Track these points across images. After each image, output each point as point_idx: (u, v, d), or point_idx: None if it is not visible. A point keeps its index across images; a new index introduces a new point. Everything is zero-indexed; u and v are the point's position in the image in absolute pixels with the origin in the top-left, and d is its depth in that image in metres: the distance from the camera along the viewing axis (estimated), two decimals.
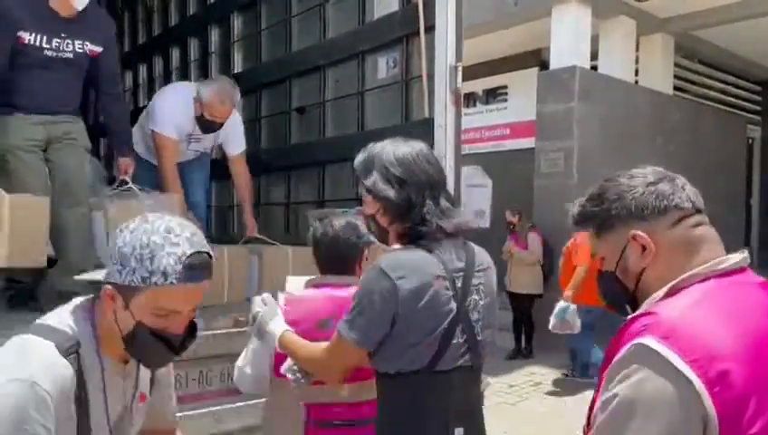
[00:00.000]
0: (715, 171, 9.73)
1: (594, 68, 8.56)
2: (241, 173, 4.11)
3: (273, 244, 3.39)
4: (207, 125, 3.78)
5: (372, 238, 1.96)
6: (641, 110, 8.63)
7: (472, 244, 1.74)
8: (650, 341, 0.98)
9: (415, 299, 1.56)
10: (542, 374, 6.59)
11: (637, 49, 9.06)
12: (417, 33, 3.41)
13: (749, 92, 12.13)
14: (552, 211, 7.82)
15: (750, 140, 12.00)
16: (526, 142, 9.16)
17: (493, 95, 10.68)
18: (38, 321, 1.33)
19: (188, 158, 4.08)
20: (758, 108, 12.28)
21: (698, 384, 0.93)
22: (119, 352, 1.35)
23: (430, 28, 3.33)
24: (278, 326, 1.84)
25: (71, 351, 1.27)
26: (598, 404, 1.04)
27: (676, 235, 1.13)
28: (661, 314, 1.03)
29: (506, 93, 10.53)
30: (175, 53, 6.16)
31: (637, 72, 9.27)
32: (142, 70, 6.81)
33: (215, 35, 5.56)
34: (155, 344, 1.30)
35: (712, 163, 9.70)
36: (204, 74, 5.69)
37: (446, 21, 3.21)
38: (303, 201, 4.64)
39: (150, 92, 6.60)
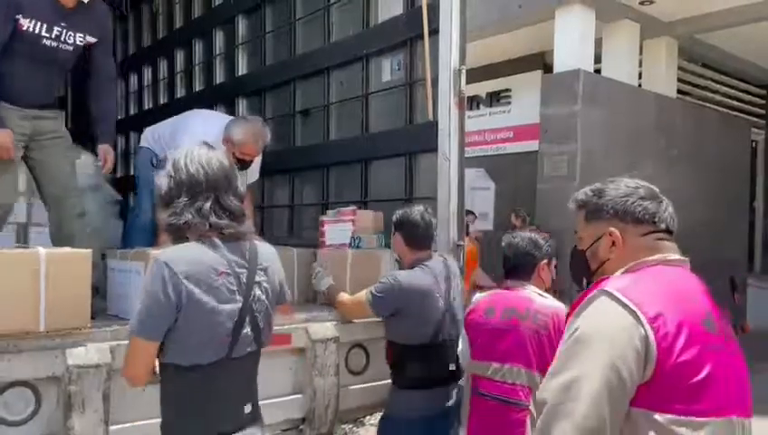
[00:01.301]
0: (718, 175, 9.71)
1: (598, 71, 8.57)
2: (247, 205, 4.07)
3: None
4: (238, 164, 3.64)
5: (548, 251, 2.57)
6: (645, 113, 8.62)
7: (258, 244, 1.89)
8: (606, 288, 1.29)
9: (200, 292, 1.69)
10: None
11: (640, 52, 9.06)
12: (422, 36, 3.42)
13: (753, 96, 12.13)
14: (556, 214, 7.81)
15: (754, 144, 11.99)
16: (530, 145, 9.16)
17: (496, 98, 10.70)
18: None
19: None
20: (762, 111, 12.27)
21: (643, 318, 1.22)
22: None
23: (434, 31, 3.34)
24: None
25: None
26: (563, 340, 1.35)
27: (643, 242, 1.41)
28: (614, 278, 1.37)
29: (510, 96, 10.54)
30: (180, 56, 6.19)
31: (640, 76, 9.27)
32: (147, 72, 6.84)
33: (219, 38, 5.58)
34: None
35: (716, 166, 9.68)
36: (209, 78, 5.71)
37: (450, 24, 3.22)
38: (307, 203, 4.65)
39: (155, 95, 6.65)
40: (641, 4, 8.37)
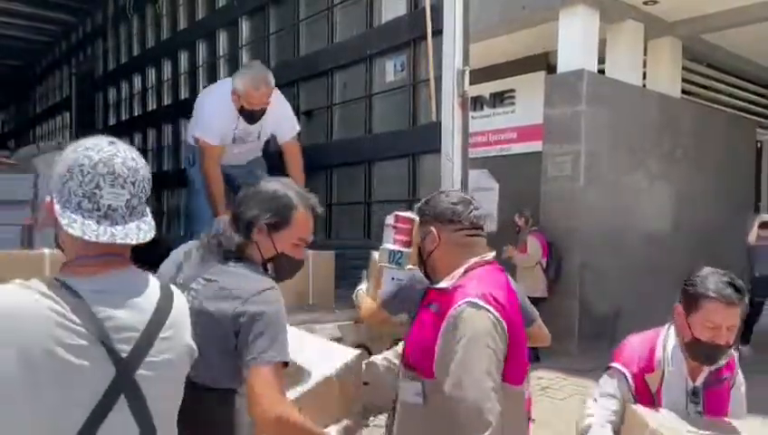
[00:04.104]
0: (723, 174, 9.68)
1: (602, 72, 8.55)
2: (292, 162, 3.89)
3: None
4: (250, 115, 3.71)
5: None
6: (649, 113, 8.60)
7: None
8: (473, 299, 1.75)
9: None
10: (550, 378, 6.58)
11: (644, 53, 9.04)
12: (425, 37, 3.42)
13: (758, 96, 12.07)
14: (559, 215, 7.80)
15: (759, 144, 11.95)
16: (533, 146, 9.15)
17: (500, 99, 10.68)
18: None
19: (239, 161, 4.00)
20: (767, 111, 12.22)
21: (498, 315, 1.74)
22: None
23: (438, 32, 3.34)
24: None
25: None
26: (441, 346, 1.76)
27: (453, 237, 1.88)
28: (469, 287, 1.79)
29: (514, 97, 10.52)
30: (183, 57, 6.20)
31: (644, 76, 9.24)
32: (151, 73, 6.86)
33: (223, 39, 5.59)
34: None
35: (720, 166, 9.65)
36: (212, 79, 5.73)
37: (453, 25, 3.22)
38: None
39: (159, 96, 6.67)
40: (645, 4, 8.34)
